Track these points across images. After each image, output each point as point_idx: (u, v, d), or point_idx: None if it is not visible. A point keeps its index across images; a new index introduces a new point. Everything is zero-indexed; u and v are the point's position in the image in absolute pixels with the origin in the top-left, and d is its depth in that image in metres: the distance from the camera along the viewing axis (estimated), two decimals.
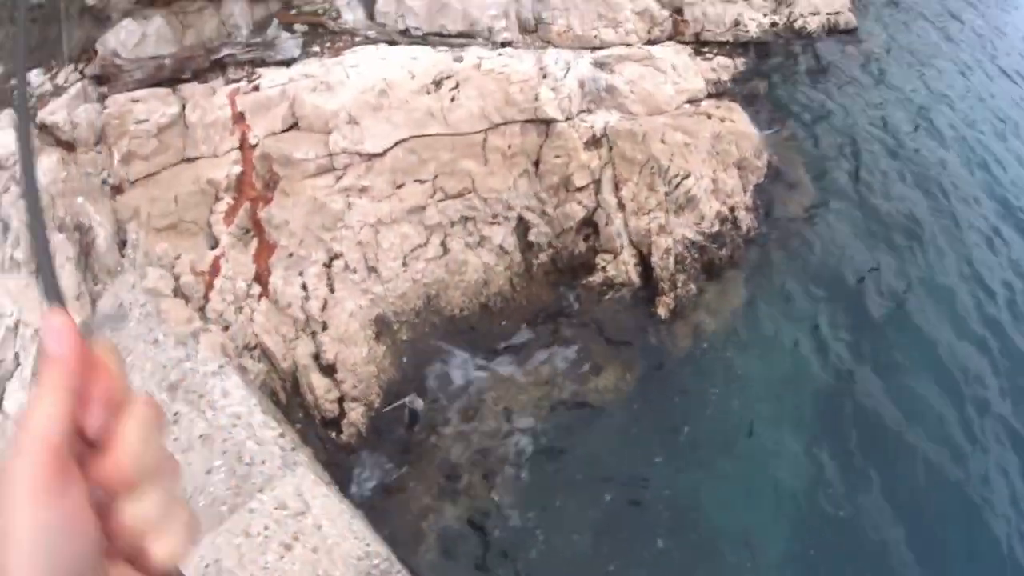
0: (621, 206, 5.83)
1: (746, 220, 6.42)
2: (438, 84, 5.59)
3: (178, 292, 5.37)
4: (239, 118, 5.63)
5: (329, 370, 5.29)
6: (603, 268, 5.75)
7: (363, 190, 5.36)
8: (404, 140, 5.41)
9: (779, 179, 6.77)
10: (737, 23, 7.44)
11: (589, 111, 6.00)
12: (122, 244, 5.63)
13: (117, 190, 5.71)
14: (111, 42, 6.02)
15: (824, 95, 7.75)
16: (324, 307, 5.29)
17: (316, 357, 5.29)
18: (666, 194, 5.95)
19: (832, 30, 8.51)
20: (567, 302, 5.75)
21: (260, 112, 5.60)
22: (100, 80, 6.10)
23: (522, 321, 5.63)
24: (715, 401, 5.87)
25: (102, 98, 6.02)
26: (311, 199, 5.32)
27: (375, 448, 5.38)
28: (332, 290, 5.31)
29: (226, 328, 5.27)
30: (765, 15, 7.79)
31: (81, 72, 6.25)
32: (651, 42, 6.90)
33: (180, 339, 5.15)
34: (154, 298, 5.33)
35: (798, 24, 8.09)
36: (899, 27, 9.52)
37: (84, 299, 5.40)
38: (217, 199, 5.51)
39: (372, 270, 5.34)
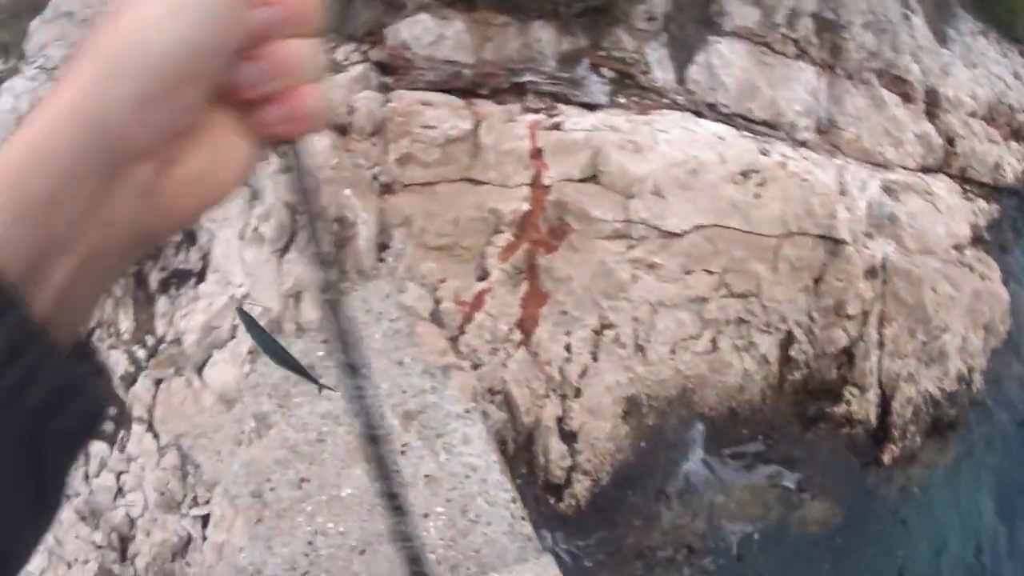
0: (881, 344, 5.63)
1: (978, 384, 6.23)
2: (745, 176, 5.37)
3: (435, 317, 5.20)
4: (536, 154, 5.43)
5: (569, 437, 5.14)
6: (847, 401, 5.58)
7: (652, 267, 5.17)
8: (704, 227, 5.21)
9: (1012, 347, 6.57)
10: (997, 166, 7.19)
11: (870, 236, 5.79)
12: (381, 247, 5.46)
13: (387, 189, 5.53)
14: (403, 33, 5.80)
15: None
16: (583, 374, 5.12)
17: (560, 420, 5.14)
18: (923, 344, 5.76)
19: None
20: (804, 425, 5.59)
21: (560, 154, 5.39)
22: (385, 69, 5.90)
23: (760, 433, 5.48)
24: (912, 559, 5.76)
25: (385, 88, 5.82)
26: (600, 262, 5.13)
27: (589, 524, 5.25)
28: (595, 359, 5.14)
29: (476, 367, 5.11)
30: (1019, 161, 7.54)
31: (364, 54, 6.04)
32: (924, 169, 6.66)
33: (428, 369, 4.99)
34: (408, 317, 5.18)
35: None
36: None
37: None
38: (497, 231, 5.32)
39: (640, 349, 5.17)
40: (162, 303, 5.58)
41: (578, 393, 5.14)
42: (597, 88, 5.68)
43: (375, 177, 5.47)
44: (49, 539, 5.17)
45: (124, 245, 0.49)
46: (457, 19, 5.84)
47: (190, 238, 5.69)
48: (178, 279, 5.69)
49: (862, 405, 5.61)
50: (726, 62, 5.81)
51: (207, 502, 4.92)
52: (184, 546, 4.81)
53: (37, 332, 0.44)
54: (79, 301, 0.48)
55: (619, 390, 5.17)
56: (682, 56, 5.85)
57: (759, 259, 5.30)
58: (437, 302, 5.19)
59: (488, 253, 5.30)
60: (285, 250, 5.28)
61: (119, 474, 5.20)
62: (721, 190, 5.27)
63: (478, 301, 5.22)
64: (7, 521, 0.45)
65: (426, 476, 4.63)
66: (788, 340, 5.48)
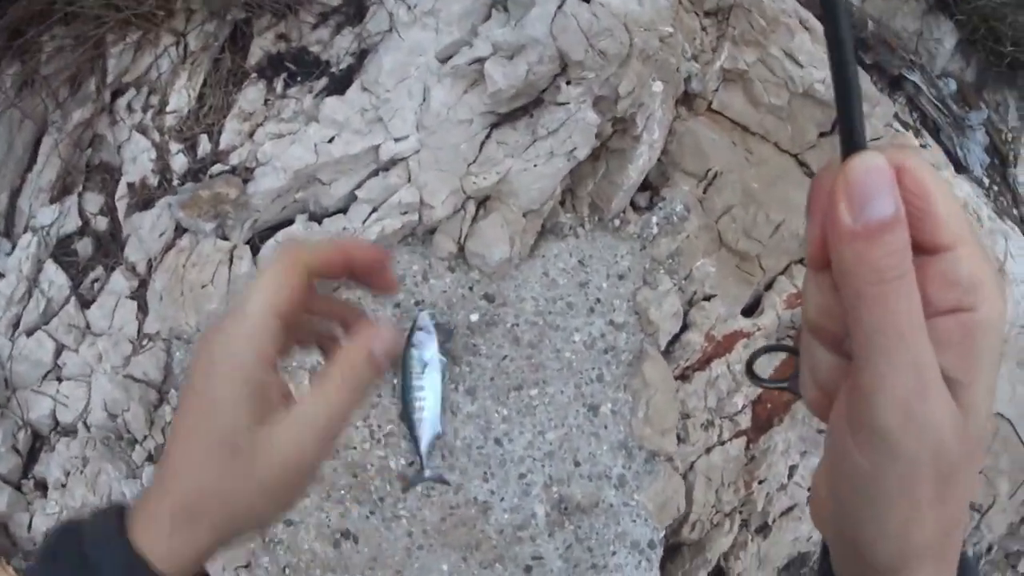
0: None
1: None
2: None
3: (670, 348, 3.27)
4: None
5: None
6: None
7: None
8: None
9: None
10: None
11: None
12: (647, 188, 3.36)
13: (687, 102, 3.41)
14: None
15: None
16: (787, 512, 3.51)
17: (725, 557, 3.49)
18: None
19: None
20: None
21: None
22: None
23: None
24: None
25: None
26: None
27: None
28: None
29: (680, 440, 3.28)
30: None
31: None
32: None
33: (629, 442, 3.14)
34: (639, 333, 3.25)
35: None
36: None
37: None
38: (803, 262, 3.46)
39: None
40: (252, 92, 2.85)
41: (764, 531, 3.51)
42: (977, 152, 3.98)
43: (686, 77, 3.24)
44: None
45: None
46: None
47: (357, 13, 2.95)
48: (301, 70, 2.90)
49: None
50: None
51: (146, 459, 2.49)
52: None
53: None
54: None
55: (799, 545, 3.64)
56: None
57: None
58: (685, 326, 3.17)
59: (777, 285, 3.40)
60: (496, 126, 2.83)
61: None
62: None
63: (728, 342, 3.32)
64: None
65: None
66: None
